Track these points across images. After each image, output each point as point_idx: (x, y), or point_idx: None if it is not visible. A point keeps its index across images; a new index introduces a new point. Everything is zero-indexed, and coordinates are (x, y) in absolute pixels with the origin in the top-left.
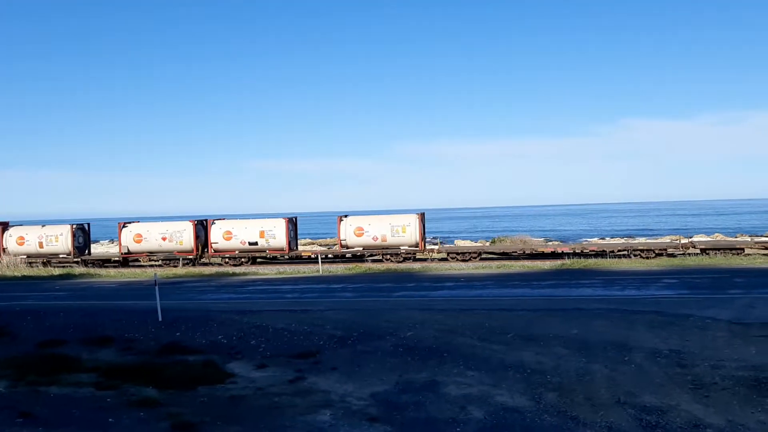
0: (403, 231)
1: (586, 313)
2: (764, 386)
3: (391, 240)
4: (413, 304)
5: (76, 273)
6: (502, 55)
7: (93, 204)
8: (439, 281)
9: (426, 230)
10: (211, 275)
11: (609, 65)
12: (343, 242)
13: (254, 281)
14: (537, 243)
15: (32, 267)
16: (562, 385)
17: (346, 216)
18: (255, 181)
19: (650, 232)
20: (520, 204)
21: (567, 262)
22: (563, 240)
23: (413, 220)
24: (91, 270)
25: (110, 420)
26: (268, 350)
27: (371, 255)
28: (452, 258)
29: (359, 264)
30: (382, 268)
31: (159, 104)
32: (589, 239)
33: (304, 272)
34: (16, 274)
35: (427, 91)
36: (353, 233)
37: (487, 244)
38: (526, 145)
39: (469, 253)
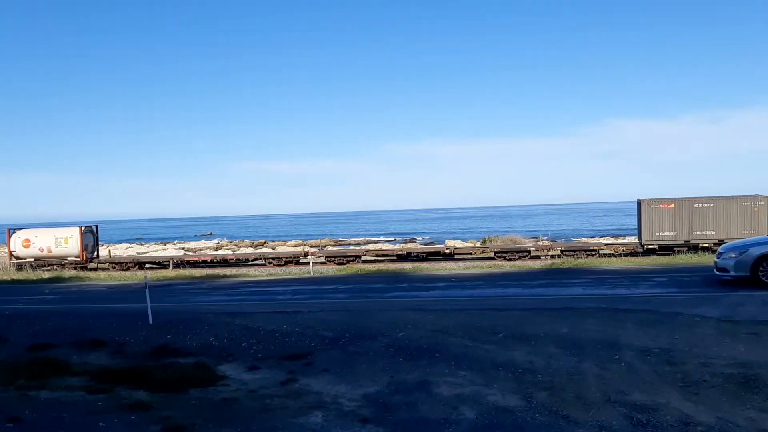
0: (66, 242)
1: (576, 312)
2: (753, 383)
3: (55, 251)
4: (405, 304)
5: (66, 276)
6: (488, 56)
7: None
8: (431, 281)
9: (99, 241)
10: (202, 277)
11: (593, 65)
12: (13, 253)
13: (246, 283)
14: (527, 243)
15: (21, 270)
16: (553, 384)
17: (18, 229)
18: (241, 183)
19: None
20: (508, 204)
21: (557, 261)
22: (553, 240)
23: (75, 233)
24: (81, 273)
25: (101, 424)
26: (260, 352)
27: (40, 265)
28: (113, 268)
29: (351, 264)
30: (374, 269)
31: (142, 105)
32: (578, 238)
33: (296, 273)
34: (5, 277)
35: (414, 92)
36: (21, 245)
37: (478, 244)
38: (512, 145)
39: (126, 262)
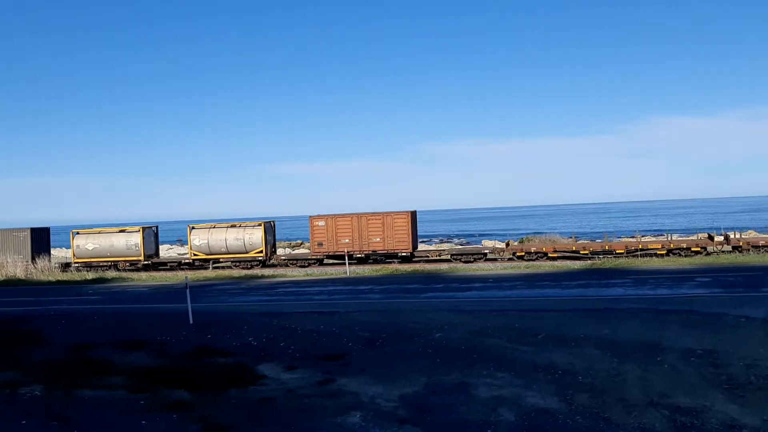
0: None
1: (617, 313)
2: None
3: None
4: (441, 305)
5: (109, 277)
6: (525, 53)
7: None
8: (468, 282)
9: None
10: (240, 278)
11: (632, 62)
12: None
13: (283, 283)
14: (567, 243)
15: (66, 272)
16: (594, 386)
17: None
18: (277, 184)
19: (682, 230)
20: (547, 203)
21: (597, 262)
22: (592, 239)
23: None
24: (123, 274)
25: (143, 422)
26: (298, 352)
27: None
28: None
29: (386, 265)
30: (409, 269)
31: (176, 107)
32: (620, 238)
33: (332, 274)
34: (50, 278)
35: (449, 91)
36: None
37: (515, 243)
38: (550, 143)
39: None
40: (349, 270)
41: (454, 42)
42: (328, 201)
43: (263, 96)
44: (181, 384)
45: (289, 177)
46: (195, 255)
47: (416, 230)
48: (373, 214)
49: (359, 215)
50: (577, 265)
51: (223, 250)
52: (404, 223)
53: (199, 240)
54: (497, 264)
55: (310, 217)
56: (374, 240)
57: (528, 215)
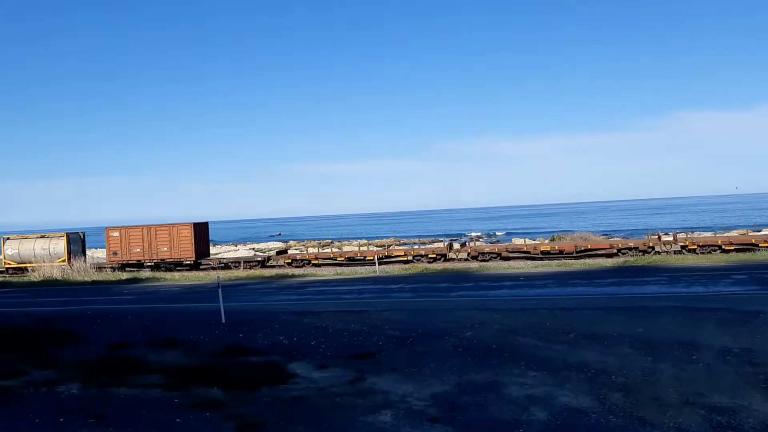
0: None
1: (651, 311)
2: None
3: None
4: (472, 303)
5: (143, 277)
6: (550, 50)
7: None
8: (498, 280)
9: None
10: (271, 277)
11: (659, 58)
12: None
13: (313, 282)
14: (598, 241)
15: (101, 272)
16: (628, 385)
17: None
18: (302, 185)
19: (714, 227)
20: (575, 201)
21: (630, 260)
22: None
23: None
24: (157, 274)
25: (177, 420)
26: (328, 351)
27: None
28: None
29: (416, 264)
30: (439, 268)
31: (198, 111)
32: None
33: (361, 273)
34: (86, 279)
35: (472, 89)
36: None
37: (546, 241)
38: (577, 141)
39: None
40: (378, 269)
41: (475, 39)
42: (357, 201)
43: (281, 96)
44: (214, 382)
45: (305, 177)
46: (7, 263)
47: (207, 240)
48: (161, 225)
49: (149, 227)
50: (609, 262)
51: (33, 259)
52: (188, 234)
53: (11, 250)
54: (528, 262)
55: (106, 228)
56: (162, 249)
57: (558, 213)
